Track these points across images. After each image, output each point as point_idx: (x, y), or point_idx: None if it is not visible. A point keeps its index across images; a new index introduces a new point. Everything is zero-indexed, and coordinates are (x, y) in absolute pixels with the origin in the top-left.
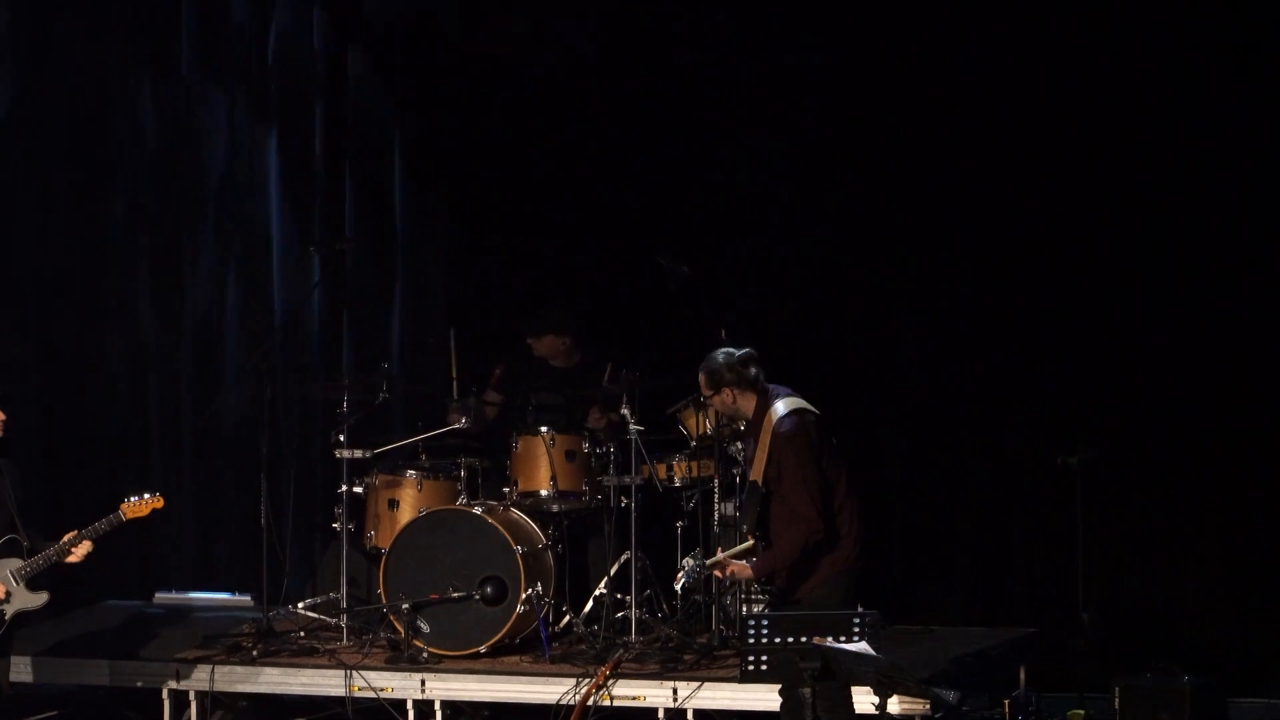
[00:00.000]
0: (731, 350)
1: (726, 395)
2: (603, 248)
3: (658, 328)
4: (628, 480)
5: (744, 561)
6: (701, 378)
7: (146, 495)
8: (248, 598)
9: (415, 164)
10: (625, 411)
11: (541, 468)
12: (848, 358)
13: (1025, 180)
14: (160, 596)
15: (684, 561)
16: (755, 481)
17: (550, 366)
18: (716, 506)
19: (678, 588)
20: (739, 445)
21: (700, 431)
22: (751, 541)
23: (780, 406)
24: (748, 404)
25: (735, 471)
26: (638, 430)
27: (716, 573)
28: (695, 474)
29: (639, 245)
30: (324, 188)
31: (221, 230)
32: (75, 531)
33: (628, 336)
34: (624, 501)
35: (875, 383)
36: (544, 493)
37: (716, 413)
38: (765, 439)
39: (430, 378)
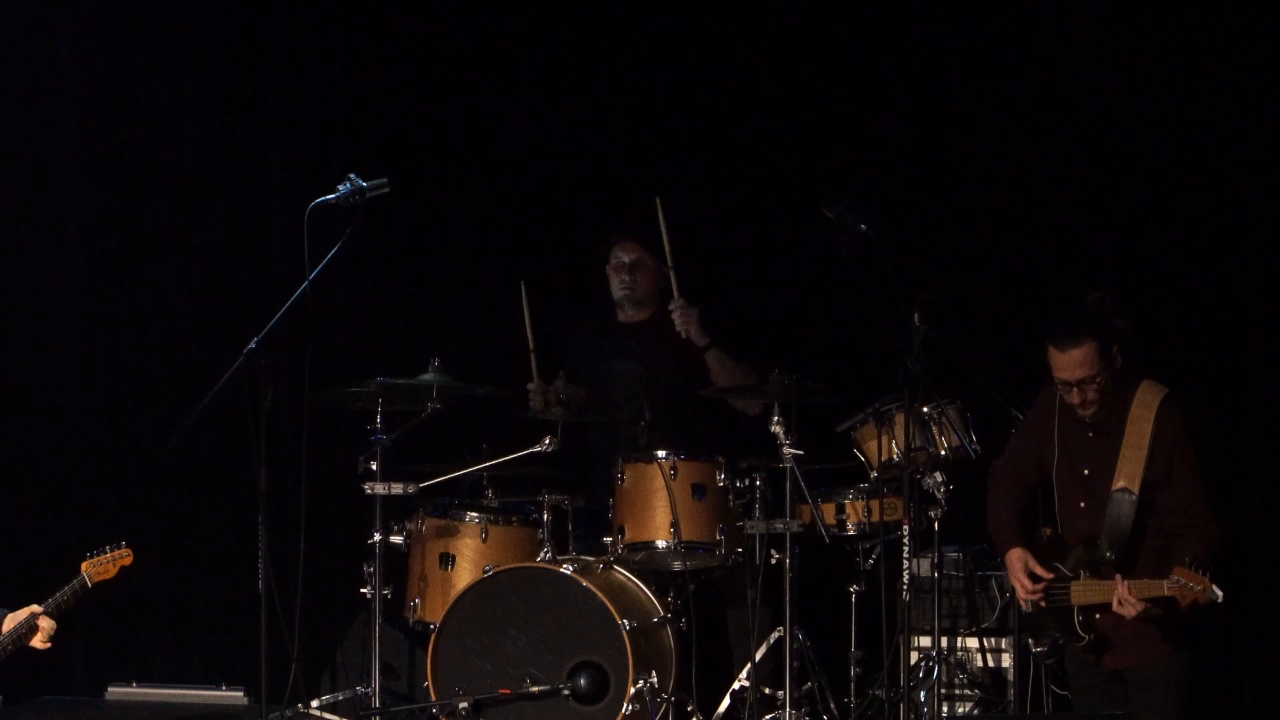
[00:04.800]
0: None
1: (1116, 358)
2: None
3: (821, 308)
4: (780, 527)
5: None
6: (1083, 349)
7: (109, 549)
8: (239, 693)
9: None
10: (778, 429)
11: (658, 509)
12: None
13: None
14: (115, 691)
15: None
16: (1126, 489)
17: (627, 330)
18: (906, 564)
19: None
20: (938, 477)
21: (884, 458)
22: (1117, 579)
23: (1153, 385)
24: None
25: (934, 514)
26: (794, 456)
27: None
28: (877, 518)
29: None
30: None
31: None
32: (31, 609)
33: (759, 316)
34: (775, 557)
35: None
36: (661, 544)
37: (909, 432)
38: (1143, 427)
39: (502, 376)
